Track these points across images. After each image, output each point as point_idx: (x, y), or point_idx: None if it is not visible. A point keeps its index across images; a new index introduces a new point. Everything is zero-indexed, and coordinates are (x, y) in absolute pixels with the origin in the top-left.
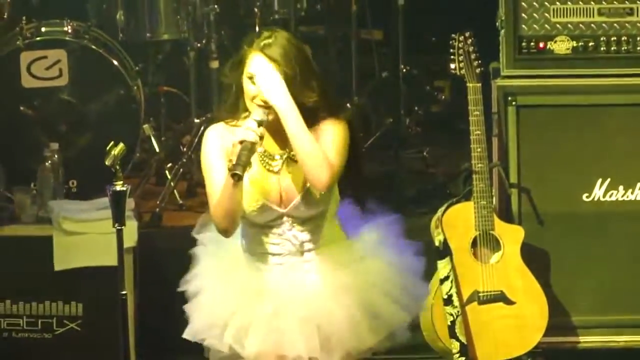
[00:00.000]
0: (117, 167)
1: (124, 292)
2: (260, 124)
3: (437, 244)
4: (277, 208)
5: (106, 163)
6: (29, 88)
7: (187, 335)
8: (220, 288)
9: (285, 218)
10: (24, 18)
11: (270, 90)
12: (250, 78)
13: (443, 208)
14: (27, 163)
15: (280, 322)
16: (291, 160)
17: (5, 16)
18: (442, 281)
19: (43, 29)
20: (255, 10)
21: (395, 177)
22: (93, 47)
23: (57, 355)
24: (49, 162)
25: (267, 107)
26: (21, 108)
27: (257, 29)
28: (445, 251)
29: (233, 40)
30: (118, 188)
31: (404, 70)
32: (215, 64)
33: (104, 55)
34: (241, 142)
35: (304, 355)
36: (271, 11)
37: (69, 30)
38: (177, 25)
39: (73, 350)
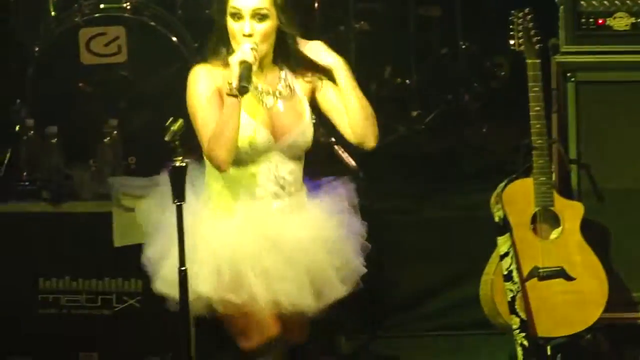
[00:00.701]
0: (177, 143)
1: (183, 267)
2: (252, 49)
3: (496, 219)
4: (272, 140)
5: (165, 139)
6: (88, 65)
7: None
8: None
9: (273, 154)
10: None
11: (320, 53)
12: (234, 14)
13: (503, 184)
14: (86, 139)
15: (273, 268)
16: (281, 98)
17: None
18: (502, 257)
19: (102, 6)
20: None
21: (454, 153)
22: (152, 23)
23: (116, 331)
24: (108, 138)
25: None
26: (80, 85)
27: (315, 5)
28: (505, 227)
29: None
30: (177, 164)
31: (463, 46)
32: None
33: (162, 31)
34: (241, 62)
35: (299, 302)
36: None
37: (128, 7)
38: None
39: (132, 326)
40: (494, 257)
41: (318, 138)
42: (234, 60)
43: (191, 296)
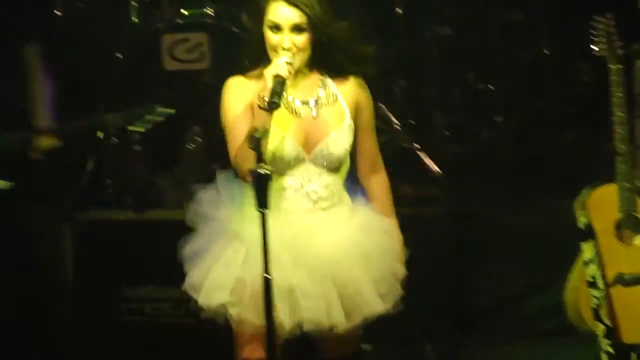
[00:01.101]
0: (261, 151)
1: (268, 275)
2: (288, 63)
3: (581, 226)
4: (303, 151)
5: (249, 147)
6: (170, 70)
7: (191, 290)
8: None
9: (305, 167)
10: (164, 1)
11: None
12: (273, 27)
13: (587, 190)
14: (170, 147)
15: (298, 285)
16: (318, 107)
17: None
18: (586, 263)
19: (184, 12)
20: None
21: (538, 159)
22: (235, 29)
23: (201, 339)
24: (192, 145)
25: (293, 53)
26: (163, 91)
27: (398, 10)
28: (589, 233)
29: (374, 21)
30: (262, 171)
31: (547, 51)
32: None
33: (245, 37)
34: (275, 77)
35: (325, 321)
36: None
37: (211, 13)
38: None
39: (218, 334)
40: (578, 263)
41: (401, 144)
42: (268, 74)
43: (208, 304)
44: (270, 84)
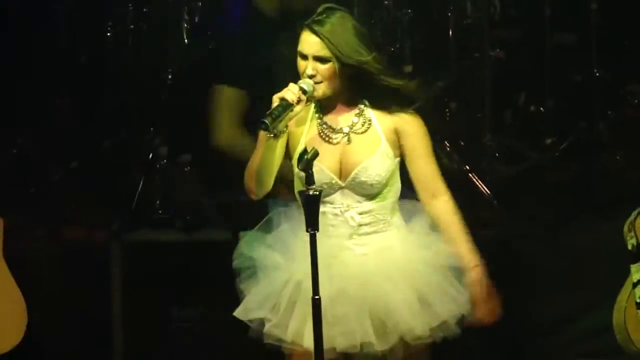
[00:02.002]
0: (310, 172)
1: (317, 296)
2: (304, 91)
3: (629, 247)
4: (336, 178)
5: (299, 168)
6: None
7: (238, 314)
8: (274, 272)
9: (342, 194)
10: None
11: None
12: (300, 54)
13: (636, 212)
14: (220, 167)
15: (330, 309)
16: (353, 134)
17: (196, 20)
18: (634, 285)
19: None
20: (449, 14)
21: (588, 180)
22: (285, 51)
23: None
24: None
25: (316, 81)
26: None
27: (450, 33)
28: (638, 255)
29: (426, 44)
30: (311, 193)
31: (597, 73)
32: (408, 68)
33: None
34: (280, 99)
35: (357, 341)
36: (464, 15)
37: None
38: (371, 29)
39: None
40: (627, 284)
41: (452, 166)
42: (275, 96)
43: (244, 317)
44: (273, 104)
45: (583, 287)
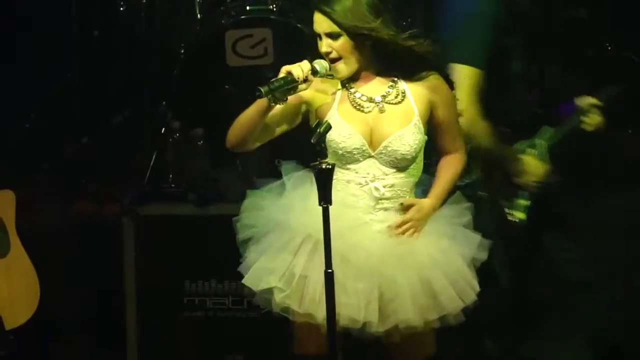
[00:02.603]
0: (323, 145)
1: (330, 270)
2: (314, 71)
3: None
4: (367, 144)
5: (312, 141)
6: (234, 67)
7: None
8: (283, 236)
9: (369, 163)
10: None
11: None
12: (316, 34)
13: None
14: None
15: (341, 280)
16: (386, 104)
17: None
18: None
19: (248, 7)
20: None
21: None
22: (298, 25)
23: (263, 333)
24: None
25: (333, 60)
26: (226, 87)
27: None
28: None
29: (427, 26)
30: (324, 166)
31: (609, 47)
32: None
33: (309, 33)
34: (286, 73)
35: (361, 317)
36: None
37: (274, 9)
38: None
39: (279, 328)
40: None
41: None
42: (284, 67)
43: (254, 286)
44: (278, 76)
45: (597, 260)
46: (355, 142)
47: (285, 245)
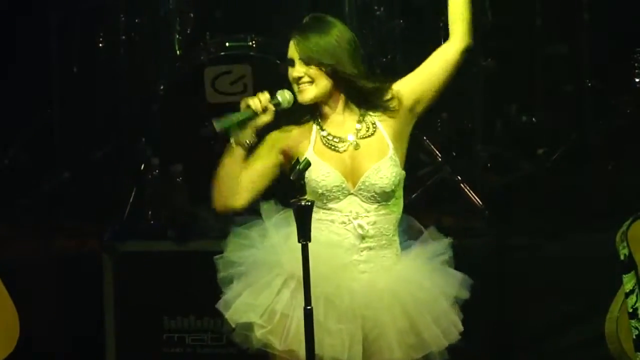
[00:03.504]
0: (302, 182)
1: (309, 307)
2: (276, 103)
3: (622, 257)
4: (346, 182)
5: (290, 178)
6: (213, 103)
7: (222, 308)
8: (267, 274)
9: (350, 201)
10: (208, 33)
11: None
12: (288, 61)
13: (628, 222)
14: (212, 178)
15: (326, 321)
16: (359, 140)
17: (188, 31)
18: (627, 295)
19: (227, 44)
20: (441, 24)
21: (582, 190)
22: (278, 61)
23: None
24: None
25: (304, 82)
26: (206, 124)
27: (442, 42)
28: (630, 265)
29: (418, 54)
30: (303, 203)
31: (589, 84)
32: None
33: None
34: (245, 107)
35: (345, 359)
36: None
37: (253, 45)
38: (363, 39)
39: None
40: (619, 294)
41: (443, 176)
42: (243, 99)
43: (236, 320)
44: (239, 110)
45: (575, 297)
46: (334, 180)
47: (268, 284)
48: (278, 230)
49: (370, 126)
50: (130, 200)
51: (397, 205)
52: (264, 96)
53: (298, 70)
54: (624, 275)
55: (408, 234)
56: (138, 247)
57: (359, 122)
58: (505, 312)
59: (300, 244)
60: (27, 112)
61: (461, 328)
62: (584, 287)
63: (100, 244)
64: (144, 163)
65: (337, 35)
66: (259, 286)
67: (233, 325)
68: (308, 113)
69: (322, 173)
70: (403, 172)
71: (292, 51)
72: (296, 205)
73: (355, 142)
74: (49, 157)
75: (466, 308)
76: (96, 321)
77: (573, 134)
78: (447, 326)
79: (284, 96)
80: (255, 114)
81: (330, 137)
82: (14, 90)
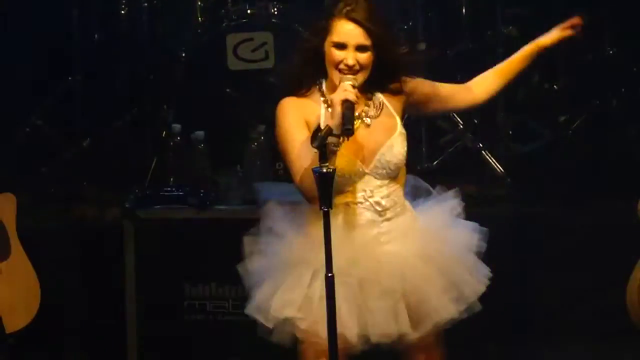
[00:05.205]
0: (324, 149)
1: (330, 274)
2: (353, 87)
3: None
4: (361, 164)
5: (313, 145)
6: (235, 70)
7: (255, 313)
8: (296, 268)
9: (363, 181)
10: (229, 0)
11: None
12: (338, 45)
13: None
14: (234, 145)
15: (365, 302)
16: (370, 119)
17: None
18: None
19: (249, 11)
20: None
21: (604, 158)
22: (300, 28)
23: (263, 337)
24: (256, 144)
25: (352, 73)
26: (227, 90)
27: (463, 10)
28: None
29: (439, 21)
30: (324, 170)
31: (611, 51)
32: (422, 46)
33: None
34: (344, 102)
35: (395, 333)
36: None
37: (275, 12)
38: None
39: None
40: None
41: (466, 144)
42: (337, 99)
43: (277, 320)
44: (338, 109)
45: (597, 266)
46: (351, 166)
47: (297, 279)
48: (290, 229)
49: (378, 104)
50: (152, 167)
51: (404, 175)
52: (349, 87)
53: (352, 57)
54: None
55: (413, 193)
56: (159, 214)
57: (368, 99)
58: (527, 281)
59: (322, 211)
60: (48, 80)
61: (490, 274)
62: (605, 256)
63: (122, 211)
64: (166, 130)
65: (383, 19)
66: (289, 283)
67: (271, 326)
68: (312, 87)
69: (340, 161)
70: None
71: (346, 36)
72: (318, 172)
73: (366, 121)
74: (70, 125)
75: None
76: (117, 288)
77: (595, 102)
78: (478, 274)
79: (352, 80)
80: (354, 104)
81: None
82: (35, 58)
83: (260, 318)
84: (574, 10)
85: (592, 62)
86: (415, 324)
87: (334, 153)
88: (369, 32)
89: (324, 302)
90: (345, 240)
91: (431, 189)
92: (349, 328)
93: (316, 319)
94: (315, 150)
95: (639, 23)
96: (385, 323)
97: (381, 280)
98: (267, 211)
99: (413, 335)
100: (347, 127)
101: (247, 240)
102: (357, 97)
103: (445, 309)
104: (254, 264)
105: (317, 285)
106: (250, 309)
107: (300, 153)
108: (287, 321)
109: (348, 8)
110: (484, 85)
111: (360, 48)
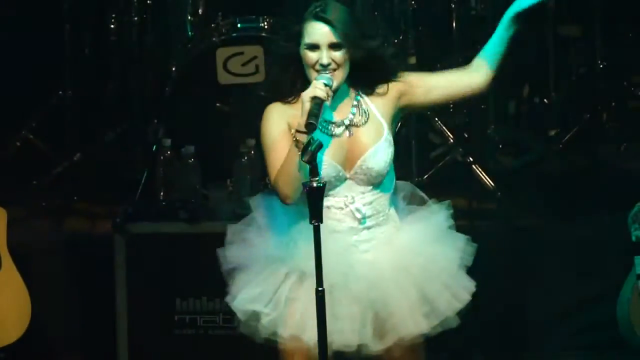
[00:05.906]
0: (314, 164)
1: (321, 288)
2: (329, 86)
3: (634, 239)
4: (342, 169)
5: (303, 159)
6: (225, 84)
7: (229, 301)
8: (271, 264)
9: (346, 186)
10: (220, 14)
11: None
12: (311, 46)
13: None
14: (224, 159)
15: (332, 308)
16: (352, 126)
17: (200, 12)
18: (639, 277)
19: (239, 25)
20: (452, 5)
21: (594, 172)
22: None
23: (253, 351)
24: (246, 158)
25: (332, 68)
26: (217, 104)
27: (453, 25)
28: None
29: (430, 36)
30: (314, 184)
31: (601, 65)
32: (412, 60)
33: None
34: (312, 99)
35: (355, 342)
36: (468, 7)
37: (265, 26)
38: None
39: (270, 346)
40: (631, 276)
41: (456, 158)
42: (306, 96)
43: (242, 308)
44: (307, 105)
45: (587, 280)
46: (331, 171)
47: (271, 274)
48: (271, 224)
49: (365, 109)
50: (143, 181)
51: (390, 181)
52: (320, 84)
53: (326, 56)
54: (635, 257)
55: (409, 200)
56: (150, 228)
57: (354, 106)
58: (518, 294)
59: (313, 226)
60: (39, 94)
61: (473, 289)
62: (596, 270)
63: (113, 226)
64: (156, 144)
65: (356, 17)
66: (263, 277)
67: (240, 316)
68: (295, 93)
69: (323, 167)
70: (393, 150)
71: (317, 36)
72: (308, 187)
73: (350, 127)
74: (61, 140)
75: (477, 289)
76: (108, 302)
77: (585, 115)
78: (457, 289)
79: (327, 78)
80: (323, 102)
81: (325, 123)
82: (26, 72)
83: (233, 308)
84: (565, 23)
85: (582, 76)
86: (381, 335)
87: (300, 148)
88: (338, 29)
89: (291, 303)
90: (323, 244)
91: (426, 197)
92: (307, 332)
93: (280, 317)
94: (297, 153)
95: (629, 37)
96: (350, 331)
97: (351, 287)
98: (255, 203)
99: (375, 347)
100: (309, 122)
101: (230, 228)
102: (327, 95)
103: (414, 323)
104: (232, 252)
105: (288, 284)
106: (228, 299)
107: (277, 154)
108: (253, 314)
109: (317, 9)
110: (489, 59)
111: (333, 46)
